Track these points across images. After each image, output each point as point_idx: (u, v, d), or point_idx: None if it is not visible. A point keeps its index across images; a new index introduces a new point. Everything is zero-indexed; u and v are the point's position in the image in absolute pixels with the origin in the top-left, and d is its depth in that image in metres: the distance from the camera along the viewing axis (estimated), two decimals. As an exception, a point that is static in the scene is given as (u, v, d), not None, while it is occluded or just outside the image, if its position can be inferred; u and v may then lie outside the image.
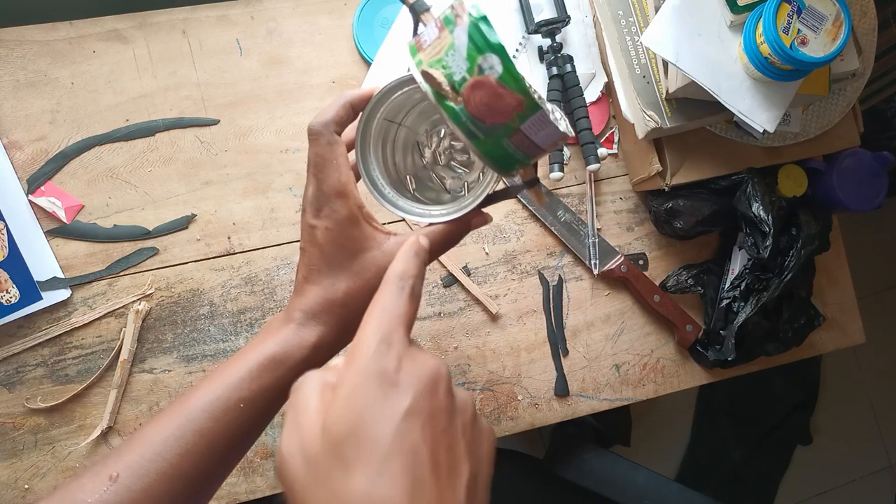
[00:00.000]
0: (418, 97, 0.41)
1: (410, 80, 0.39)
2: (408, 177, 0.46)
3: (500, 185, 0.42)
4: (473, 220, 0.42)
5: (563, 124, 0.37)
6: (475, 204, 0.40)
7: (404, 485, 0.24)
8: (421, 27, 0.37)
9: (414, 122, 0.45)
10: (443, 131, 0.45)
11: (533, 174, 0.42)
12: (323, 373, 0.28)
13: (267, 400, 0.38)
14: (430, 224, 0.41)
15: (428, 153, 0.45)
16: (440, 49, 0.34)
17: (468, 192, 0.45)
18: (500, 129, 0.35)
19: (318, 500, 0.24)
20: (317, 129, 0.39)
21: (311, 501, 0.25)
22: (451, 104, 0.34)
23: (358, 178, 0.42)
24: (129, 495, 0.34)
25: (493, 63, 0.33)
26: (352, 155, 0.41)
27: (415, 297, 0.31)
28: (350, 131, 0.41)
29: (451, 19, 0.33)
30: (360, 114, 0.41)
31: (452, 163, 0.46)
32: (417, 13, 0.38)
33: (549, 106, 0.36)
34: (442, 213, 0.41)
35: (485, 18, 0.32)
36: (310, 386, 0.28)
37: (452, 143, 0.45)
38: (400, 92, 0.40)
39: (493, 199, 0.41)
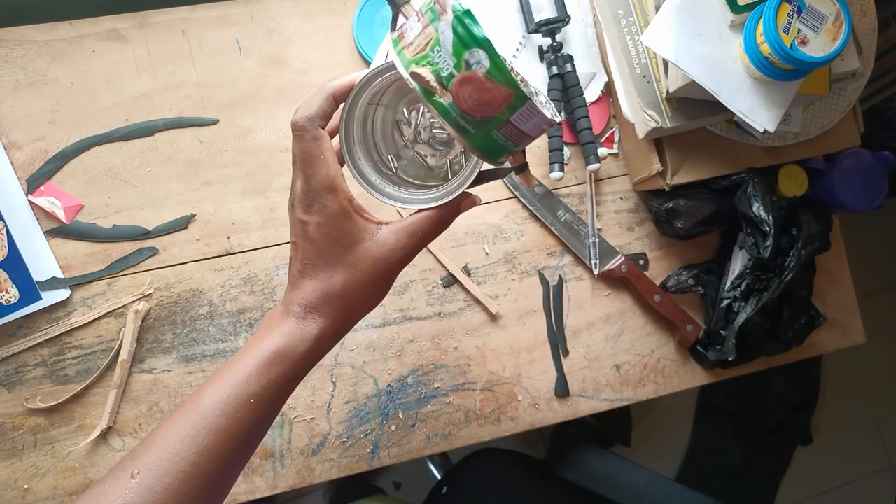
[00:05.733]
0: (396, 77, 0.41)
1: (391, 66, 0.39)
2: (389, 156, 0.45)
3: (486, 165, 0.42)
4: (462, 202, 0.41)
5: (550, 110, 0.37)
6: (463, 188, 0.40)
7: None
8: (401, 19, 0.37)
9: (392, 100, 0.44)
10: (422, 108, 0.44)
11: (522, 159, 0.42)
12: None
13: (275, 393, 0.39)
14: (420, 210, 0.41)
15: (408, 131, 0.45)
16: (425, 44, 0.33)
17: (451, 169, 0.44)
18: (490, 122, 0.34)
19: None
20: (301, 124, 0.39)
21: None
22: (440, 100, 0.34)
23: (342, 164, 0.42)
24: (151, 496, 0.34)
25: (480, 58, 0.32)
26: (335, 141, 0.41)
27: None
28: (333, 121, 0.41)
29: (434, 14, 0.33)
30: (343, 105, 0.40)
31: (432, 140, 0.45)
32: (397, 6, 0.38)
33: (532, 88, 0.35)
34: (430, 198, 0.41)
35: (469, 13, 0.32)
36: None
37: (432, 119, 0.44)
38: (381, 79, 0.40)
39: (480, 179, 0.41)
